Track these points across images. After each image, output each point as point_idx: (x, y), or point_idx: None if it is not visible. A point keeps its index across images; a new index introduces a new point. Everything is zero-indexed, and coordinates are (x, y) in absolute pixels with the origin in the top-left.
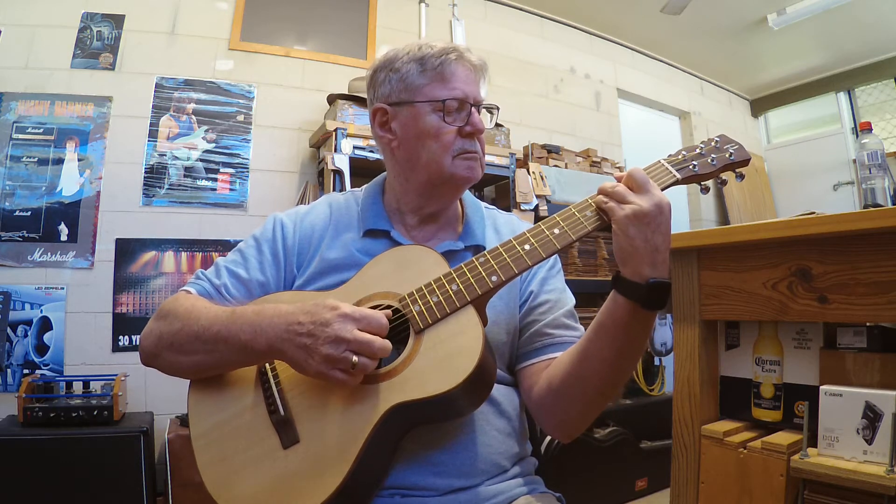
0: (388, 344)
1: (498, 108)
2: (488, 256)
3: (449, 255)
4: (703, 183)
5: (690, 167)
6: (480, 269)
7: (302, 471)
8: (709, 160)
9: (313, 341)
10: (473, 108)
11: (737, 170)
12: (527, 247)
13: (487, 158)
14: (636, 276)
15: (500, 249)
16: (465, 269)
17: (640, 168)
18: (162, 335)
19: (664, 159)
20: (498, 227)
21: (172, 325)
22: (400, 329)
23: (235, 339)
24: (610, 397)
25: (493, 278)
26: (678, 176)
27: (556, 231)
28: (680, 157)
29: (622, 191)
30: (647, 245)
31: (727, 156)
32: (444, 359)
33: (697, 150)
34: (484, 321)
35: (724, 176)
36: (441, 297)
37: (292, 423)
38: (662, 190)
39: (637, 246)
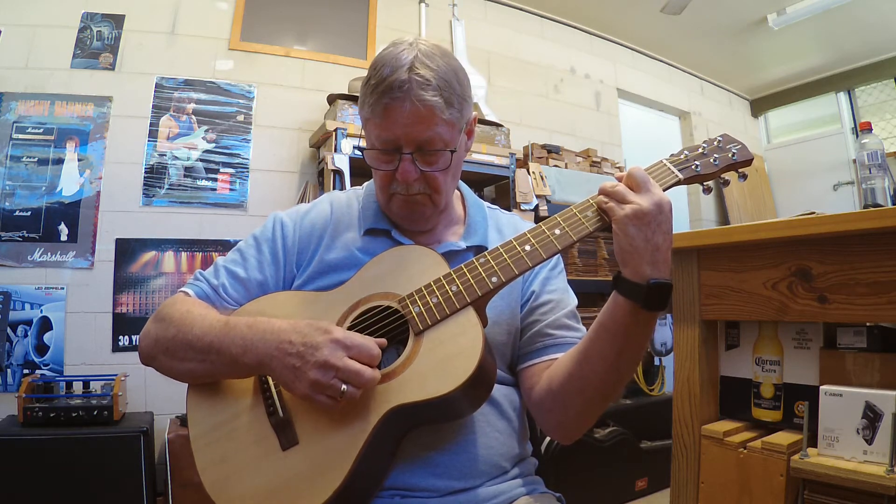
0: (377, 374)
1: (453, 152)
2: (488, 257)
3: (451, 256)
4: (705, 183)
5: (693, 167)
6: (480, 269)
7: (301, 472)
8: (711, 160)
9: (302, 363)
10: (405, 155)
11: (739, 170)
12: (527, 247)
13: (487, 158)
14: (636, 276)
15: (501, 250)
16: (465, 270)
17: (641, 168)
18: (158, 339)
19: (666, 159)
20: (500, 227)
21: (168, 331)
22: (399, 330)
23: (227, 352)
24: (610, 399)
25: (494, 279)
26: (680, 176)
27: (557, 231)
28: (682, 156)
29: (622, 190)
30: (647, 245)
31: (730, 155)
32: (443, 360)
33: (700, 150)
34: (484, 322)
35: (726, 176)
36: (441, 299)
37: (291, 424)
38: (664, 190)
39: (637, 246)
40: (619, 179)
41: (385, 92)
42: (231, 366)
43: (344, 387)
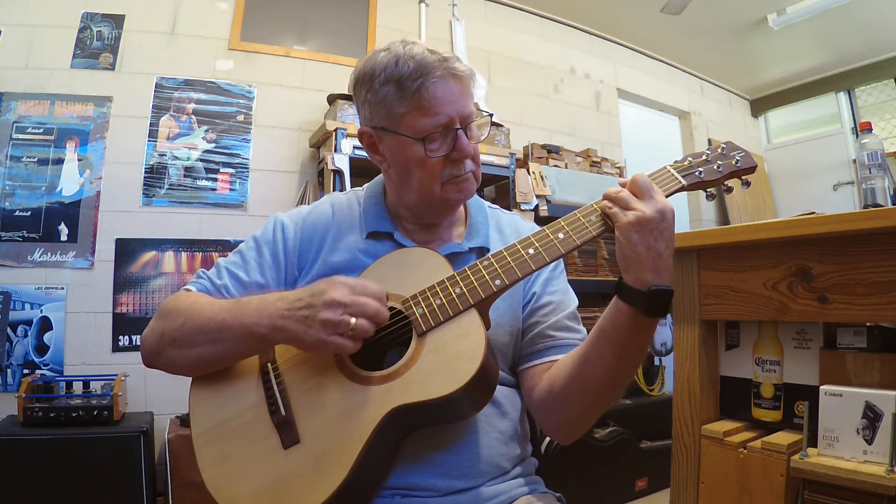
0: (385, 309)
1: (491, 115)
2: (492, 260)
3: (452, 257)
4: (708, 189)
5: (696, 174)
6: (484, 272)
7: (302, 471)
8: (715, 167)
9: (311, 311)
10: (459, 131)
11: (743, 177)
12: (531, 251)
13: (487, 158)
14: (638, 282)
15: (505, 253)
16: (469, 273)
17: (645, 174)
18: (164, 332)
19: (670, 165)
20: (501, 227)
21: (175, 322)
22: (403, 331)
23: (240, 324)
24: (610, 401)
25: (497, 282)
26: (684, 182)
27: (561, 235)
28: (686, 163)
29: (626, 196)
30: (649, 251)
31: (733, 163)
32: (446, 362)
33: (703, 157)
34: (487, 324)
35: (729, 183)
36: (444, 300)
37: (293, 423)
38: (668, 196)
39: (639, 252)
40: (623, 185)
41: (425, 75)
42: (245, 339)
43: (353, 320)
